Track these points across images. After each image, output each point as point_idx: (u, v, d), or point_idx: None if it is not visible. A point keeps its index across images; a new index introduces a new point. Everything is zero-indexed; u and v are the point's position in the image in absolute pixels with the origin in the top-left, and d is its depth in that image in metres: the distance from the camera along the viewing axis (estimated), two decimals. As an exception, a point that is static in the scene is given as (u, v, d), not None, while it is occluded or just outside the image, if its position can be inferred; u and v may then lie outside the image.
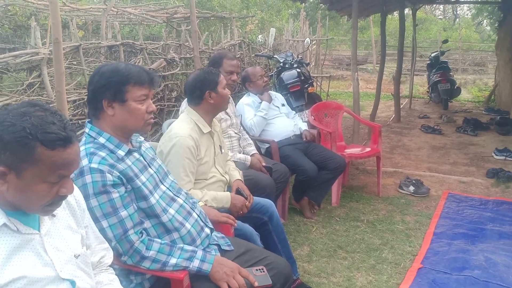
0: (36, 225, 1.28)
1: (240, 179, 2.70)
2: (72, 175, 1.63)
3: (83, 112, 3.42)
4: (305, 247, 3.35)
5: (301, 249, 3.31)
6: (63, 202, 1.40)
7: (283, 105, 4.15)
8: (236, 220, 2.28)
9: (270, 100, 3.95)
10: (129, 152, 1.78)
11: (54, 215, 1.35)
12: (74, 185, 1.52)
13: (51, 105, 2.94)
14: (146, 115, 1.78)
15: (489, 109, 8.87)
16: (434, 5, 29.18)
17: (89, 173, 1.63)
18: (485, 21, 24.78)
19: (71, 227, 1.40)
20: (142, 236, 1.72)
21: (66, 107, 2.58)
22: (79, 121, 3.36)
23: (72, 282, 1.30)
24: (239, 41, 6.91)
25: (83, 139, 1.77)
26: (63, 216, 1.39)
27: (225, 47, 6.25)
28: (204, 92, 2.53)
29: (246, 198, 2.53)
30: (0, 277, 1.15)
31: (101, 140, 1.74)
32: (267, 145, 3.85)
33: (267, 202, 2.69)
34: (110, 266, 1.60)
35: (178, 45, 5.23)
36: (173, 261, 1.72)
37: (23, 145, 1.13)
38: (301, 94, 5.14)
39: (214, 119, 2.70)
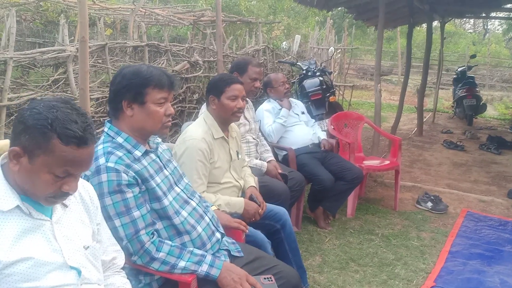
0: (48, 213, 1.34)
1: (255, 186, 2.70)
2: (88, 172, 1.68)
3: (105, 110, 3.48)
4: (317, 257, 3.33)
5: (313, 259, 3.29)
6: (78, 196, 1.46)
7: (302, 113, 4.13)
8: (248, 227, 2.28)
9: (290, 107, 3.94)
10: (145, 153, 1.81)
11: (66, 206, 1.40)
12: (89, 184, 1.56)
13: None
14: (164, 118, 1.80)
15: (514, 127, 8.69)
16: (464, 19, 28.75)
17: (105, 172, 1.66)
18: (516, 37, 24.30)
19: (83, 221, 1.45)
20: (153, 237, 1.73)
21: (89, 105, 2.64)
22: (101, 119, 3.41)
23: (78, 271, 1.34)
24: (263, 47, 6.93)
25: (102, 137, 1.80)
26: (76, 209, 1.44)
27: (249, 52, 6.28)
28: (209, 95, 2.56)
29: (259, 205, 2.52)
30: (9, 255, 1.21)
31: (119, 140, 1.77)
32: (285, 153, 3.84)
33: (280, 210, 2.68)
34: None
35: (202, 48, 5.28)
36: (182, 264, 1.73)
37: (41, 133, 1.20)
38: (322, 103, 5.11)
39: (233, 124, 2.71)
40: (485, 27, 33.03)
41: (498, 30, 30.78)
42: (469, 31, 33.04)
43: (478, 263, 3.27)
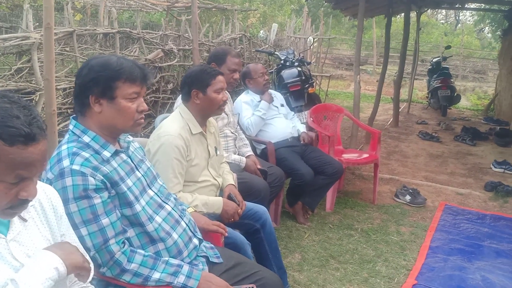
0: (4, 229, 1.17)
1: (233, 184, 2.56)
2: (51, 176, 1.51)
3: (73, 102, 3.26)
4: (296, 254, 3.23)
5: (292, 257, 3.19)
6: (38, 206, 1.30)
7: (282, 105, 4.00)
8: (227, 228, 2.15)
9: (270, 100, 3.80)
10: (115, 153, 1.64)
11: (25, 220, 1.23)
12: (52, 189, 1.39)
13: (39, 93, 2.80)
14: (136, 115, 1.63)
15: (488, 118, 8.80)
16: (436, 9, 29.08)
17: (70, 176, 1.49)
18: (486, 28, 24.75)
19: (44, 236, 1.29)
20: (124, 247, 1.57)
21: (54, 96, 2.44)
22: (68, 111, 3.20)
23: None
24: (240, 35, 6.75)
25: (66, 136, 1.63)
26: (36, 221, 1.28)
27: (226, 40, 6.10)
28: (191, 90, 2.38)
29: (238, 205, 2.40)
30: None
31: (86, 139, 1.59)
32: (263, 146, 3.72)
33: (260, 208, 2.56)
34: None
35: (177, 36, 5.07)
36: (156, 275, 1.59)
37: None
38: (301, 95, 5.00)
39: (211, 119, 2.56)
40: (457, 17, 33.56)
41: (469, 21, 31.33)
42: (441, 21, 33.53)
43: (458, 259, 3.23)
